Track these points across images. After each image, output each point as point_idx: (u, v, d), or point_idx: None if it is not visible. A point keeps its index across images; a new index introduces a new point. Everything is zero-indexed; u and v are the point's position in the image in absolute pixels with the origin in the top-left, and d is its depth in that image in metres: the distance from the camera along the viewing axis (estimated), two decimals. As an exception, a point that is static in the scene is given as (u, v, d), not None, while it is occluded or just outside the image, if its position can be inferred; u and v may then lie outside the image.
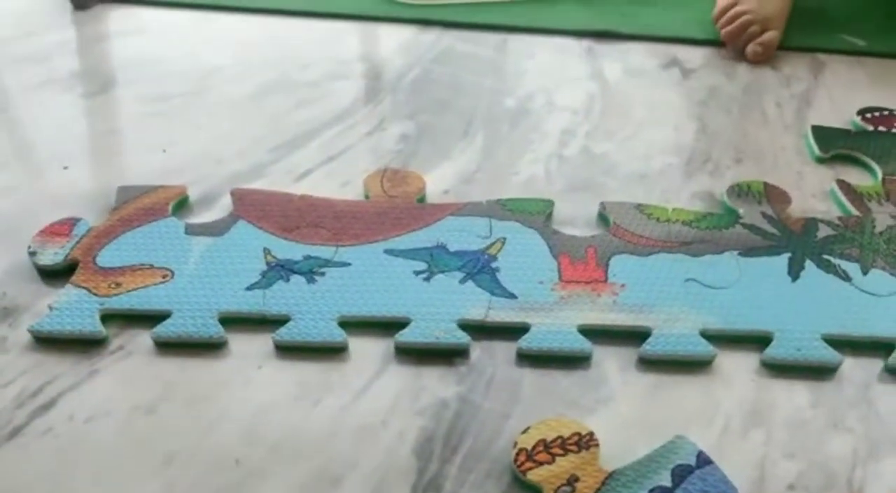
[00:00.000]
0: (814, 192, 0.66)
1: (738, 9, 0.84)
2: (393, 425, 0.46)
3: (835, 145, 0.70)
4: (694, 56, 0.86)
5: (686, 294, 0.54)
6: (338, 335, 0.50)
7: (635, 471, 0.43)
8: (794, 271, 0.56)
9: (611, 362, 0.51)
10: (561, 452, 0.43)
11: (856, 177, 0.68)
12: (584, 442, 0.44)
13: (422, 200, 0.62)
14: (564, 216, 0.62)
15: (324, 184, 0.63)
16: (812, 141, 0.70)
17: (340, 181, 0.64)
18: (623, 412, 0.48)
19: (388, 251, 0.56)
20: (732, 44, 0.84)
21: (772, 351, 0.50)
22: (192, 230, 0.57)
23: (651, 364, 0.51)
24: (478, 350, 0.51)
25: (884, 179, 0.65)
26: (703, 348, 0.50)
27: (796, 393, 0.49)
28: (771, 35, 0.84)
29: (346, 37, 0.86)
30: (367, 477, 0.44)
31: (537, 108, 0.76)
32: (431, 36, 0.86)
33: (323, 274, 0.54)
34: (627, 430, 0.47)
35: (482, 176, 0.67)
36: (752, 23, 0.83)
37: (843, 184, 0.65)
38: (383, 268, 0.55)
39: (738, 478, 0.44)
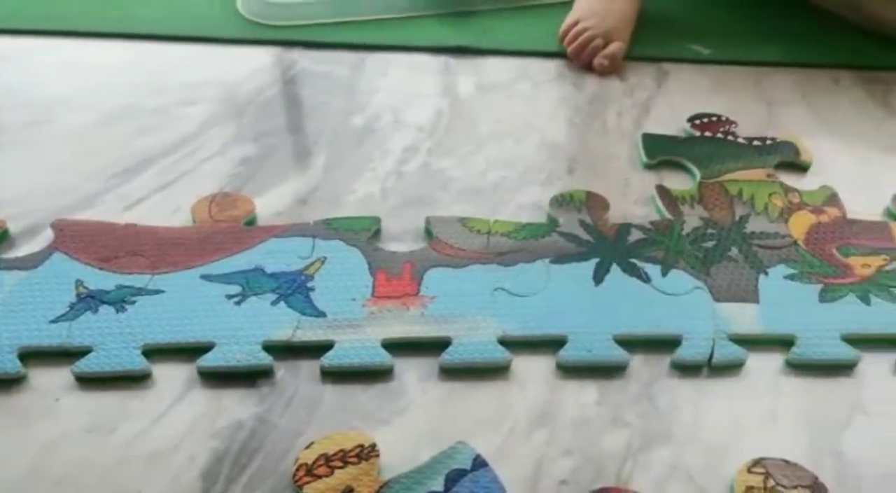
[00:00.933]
0: (636, 198, 0.69)
1: (579, 26, 0.87)
2: (185, 449, 0.48)
3: (661, 152, 0.73)
4: (546, 69, 0.89)
5: (492, 303, 0.56)
6: (137, 363, 0.51)
7: (411, 479, 0.45)
8: (599, 276, 0.59)
9: (412, 373, 0.53)
10: (340, 465, 0.45)
11: (678, 182, 0.71)
12: (365, 454, 0.46)
13: (251, 223, 0.64)
14: (395, 233, 0.64)
15: (155, 211, 0.65)
16: (640, 148, 0.73)
17: (172, 208, 0.65)
18: (417, 421, 0.50)
19: (205, 276, 0.58)
20: (578, 60, 0.87)
21: (564, 353, 0.53)
22: (3, 265, 0.58)
23: (450, 373, 0.53)
24: (282, 370, 0.53)
25: (700, 183, 0.68)
26: (500, 354, 0.53)
27: (585, 392, 0.52)
28: (615, 47, 0.87)
29: (203, 61, 0.87)
30: (150, 503, 0.45)
31: (383, 126, 0.78)
32: (290, 57, 0.87)
33: (133, 303, 0.55)
34: (419, 439, 0.49)
35: (319, 196, 0.68)
36: (595, 37, 0.86)
37: (661, 189, 0.68)
38: (195, 293, 0.56)
39: (514, 478, 0.46)
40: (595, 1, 0.90)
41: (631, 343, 0.54)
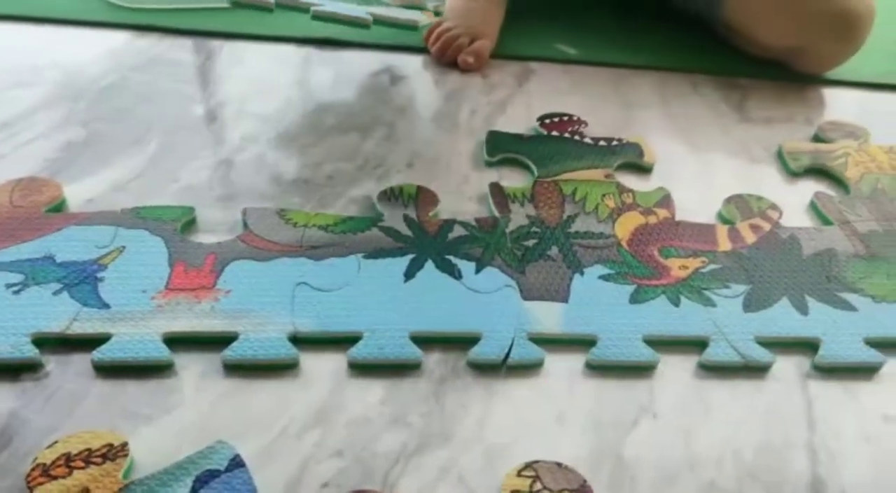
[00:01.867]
0: (472, 195, 0.67)
1: (443, 26, 0.86)
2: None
3: (503, 150, 0.72)
4: (410, 63, 0.87)
5: (290, 298, 0.54)
6: None
7: (156, 480, 0.43)
8: (411, 272, 0.57)
9: (193, 369, 0.50)
10: (82, 465, 0.42)
11: (517, 179, 0.69)
12: (113, 454, 0.43)
13: (57, 209, 0.60)
14: (211, 224, 0.62)
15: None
16: (484, 145, 0.72)
17: (-25, 193, 0.61)
18: (184, 419, 0.47)
19: (-11, 264, 0.54)
20: (442, 59, 0.85)
21: (355, 351, 0.51)
22: None
23: (234, 370, 0.50)
24: (52, 364, 0.50)
25: (535, 182, 0.67)
26: (285, 351, 0.51)
27: (371, 391, 0.50)
28: (481, 44, 0.86)
29: (53, 43, 0.84)
30: None
31: (226, 115, 0.76)
32: (144, 42, 0.84)
33: None
34: (182, 438, 0.46)
35: (139, 184, 0.66)
36: (459, 35, 0.85)
37: (494, 186, 0.66)
38: (-26, 282, 0.53)
39: (274, 480, 0.44)
40: (459, 1, 0.88)
41: (429, 341, 0.52)
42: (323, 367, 0.51)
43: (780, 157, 0.76)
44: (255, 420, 0.48)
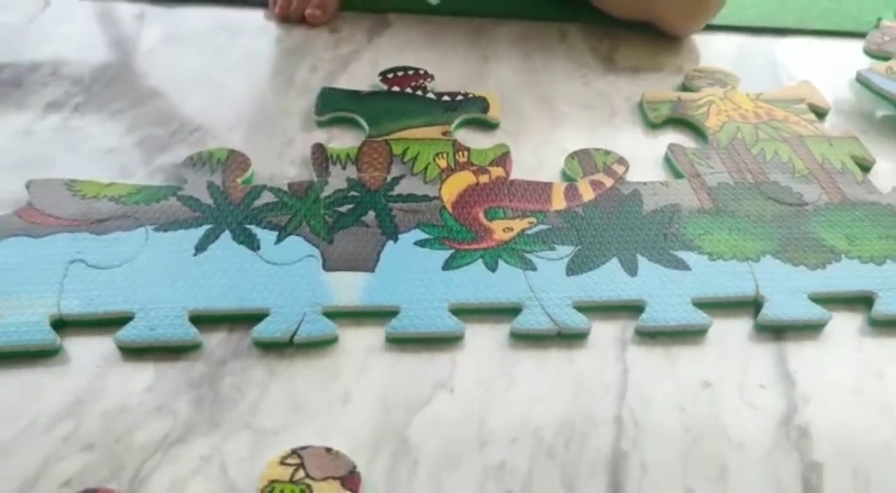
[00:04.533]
0: (294, 158, 0.63)
1: None
2: None
3: (334, 108, 0.66)
4: (250, 19, 0.81)
5: (59, 277, 0.49)
6: None
7: None
8: (203, 245, 0.52)
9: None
10: None
11: (350, 140, 0.64)
12: None
13: None
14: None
15: None
16: (316, 104, 0.67)
17: None
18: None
19: None
20: (290, 19, 0.79)
21: (122, 334, 0.47)
22: None
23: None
24: None
25: (364, 142, 0.62)
26: (42, 336, 0.46)
27: (138, 378, 0.45)
28: (324, -5, 0.80)
29: None
30: None
31: (37, 79, 0.69)
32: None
33: None
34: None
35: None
36: None
37: (317, 148, 0.62)
38: None
39: (11, 478, 0.39)
40: None
41: (213, 320, 0.47)
42: (88, 353, 0.46)
43: (641, 108, 0.71)
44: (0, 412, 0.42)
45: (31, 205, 0.54)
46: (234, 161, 0.59)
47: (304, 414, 0.44)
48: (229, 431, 0.43)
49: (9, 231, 0.52)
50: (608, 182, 0.60)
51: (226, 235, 0.53)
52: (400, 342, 0.48)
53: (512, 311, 0.50)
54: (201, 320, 0.48)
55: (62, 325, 0.47)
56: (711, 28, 0.83)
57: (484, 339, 0.49)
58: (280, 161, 0.62)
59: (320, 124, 0.66)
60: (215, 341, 0.48)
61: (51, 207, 0.54)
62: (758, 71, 0.79)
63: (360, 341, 0.48)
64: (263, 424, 0.43)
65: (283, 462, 0.40)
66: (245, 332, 0.48)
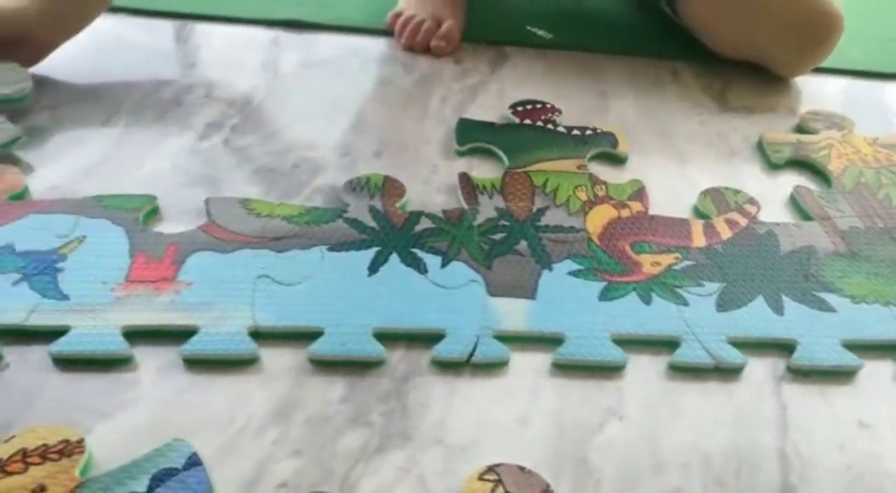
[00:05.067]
0: (440, 186, 0.66)
1: (405, 15, 0.84)
2: None
3: (473, 139, 0.70)
4: (379, 48, 0.85)
5: (251, 292, 0.53)
6: None
7: (112, 478, 0.42)
8: (375, 266, 0.56)
9: (151, 363, 0.49)
10: (38, 461, 0.41)
11: (489, 170, 0.68)
12: (69, 450, 0.42)
13: (18, 197, 0.59)
14: (174, 213, 0.61)
15: None
16: (455, 134, 0.71)
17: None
18: (142, 415, 0.46)
19: (-54, 253, 0.52)
20: (415, 48, 0.84)
21: (316, 347, 0.50)
22: None
23: (192, 365, 0.49)
24: (13, 356, 0.48)
25: (506, 172, 0.66)
26: (245, 346, 0.50)
27: (332, 388, 0.49)
28: (449, 25, 0.84)
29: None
30: None
31: (192, 100, 0.74)
32: (109, 23, 0.81)
33: None
34: (139, 434, 0.45)
35: (103, 171, 0.64)
36: (424, 21, 0.83)
37: (463, 177, 0.65)
38: (-71, 271, 0.51)
39: (231, 479, 0.43)
40: None
41: (393, 337, 0.51)
42: (283, 363, 0.50)
43: (761, 148, 0.75)
44: (212, 417, 0.47)
45: (213, 221, 0.58)
46: (391, 187, 0.63)
47: (486, 432, 0.48)
48: (422, 444, 0.46)
49: (197, 246, 0.56)
50: (742, 221, 0.64)
51: (394, 258, 0.57)
52: (566, 368, 0.52)
53: (667, 343, 0.53)
54: (382, 338, 0.52)
55: (257, 336, 0.51)
56: (818, 70, 0.86)
57: (645, 369, 0.52)
58: (427, 187, 0.66)
59: (460, 154, 0.70)
60: (395, 357, 0.51)
61: (231, 224, 0.58)
62: (867, 114, 0.82)
63: (528, 364, 0.52)
64: (452, 439, 0.47)
65: (481, 478, 0.44)
66: (420, 350, 0.52)
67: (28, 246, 0.54)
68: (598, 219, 0.62)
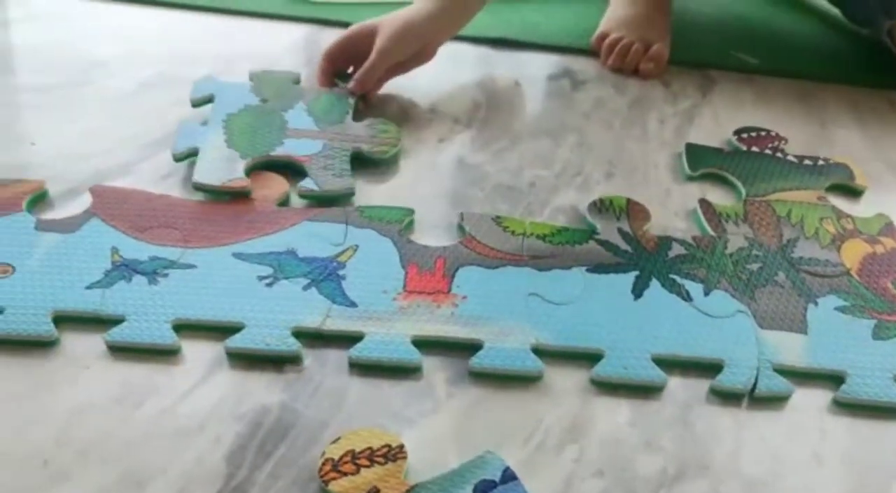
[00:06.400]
0: (677, 210, 0.67)
1: (611, 37, 0.85)
2: (210, 430, 0.46)
3: (705, 164, 0.71)
4: (587, 68, 0.86)
5: (525, 309, 0.54)
6: (168, 338, 0.50)
7: (438, 485, 0.43)
8: (638, 290, 0.57)
9: (440, 374, 0.51)
10: (367, 463, 0.44)
11: (721, 197, 0.68)
12: (393, 455, 0.44)
13: (284, 203, 0.62)
14: (427, 225, 0.63)
15: (189, 183, 0.63)
16: (684, 159, 0.71)
17: (204, 181, 0.63)
18: (443, 424, 0.48)
19: (237, 255, 0.56)
20: (623, 70, 0.84)
21: (599, 369, 0.51)
22: (42, 226, 0.57)
23: (479, 378, 0.51)
24: (311, 358, 0.51)
25: (746, 200, 0.66)
26: (532, 363, 0.51)
27: (618, 411, 0.50)
28: (658, 48, 0.85)
29: (240, 34, 0.86)
30: (172, 483, 0.44)
31: (418, 114, 0.76)
32: (327, 35, 0.85)
33: (166, 275, 0.54)
34: (444, 443, 0.47)
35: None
36: (633, 44, 0.84)
37: (704, 203, 0.66)
38: (227, 272, 0.54)
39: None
40: (619, 11, 0.88)
41: (668, 363, 0.52)
42: (565, 381, 0.51)
43: None
44: (509, 431, 0.48)
45: (473, 236, 0.60)
46: (635, 210, 0.64)
47: (783, 468, 0.48)
48: (720, 475, 0.47)
49: (463, 260, 0.58)
50: None
51: (655, 284, 0.58)
52: (851, 407, 0.51)
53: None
54: (659, 363, 0.52)
55: (538, 353, 0.52)
56: None
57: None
58: (664, 211, 0.67)
59: (690, 178, 0.70)
60: (673, 383, 0.52)
61: (490, 240, 0.60)
62: None
63: (809, 400, 0.52)
64: (750, 472, 0.47)
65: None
66: (696, 378, 0.53)
67: (308, 252, 0.57)
68: (852, 254, 0.62)
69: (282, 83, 0.74)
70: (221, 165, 0.63)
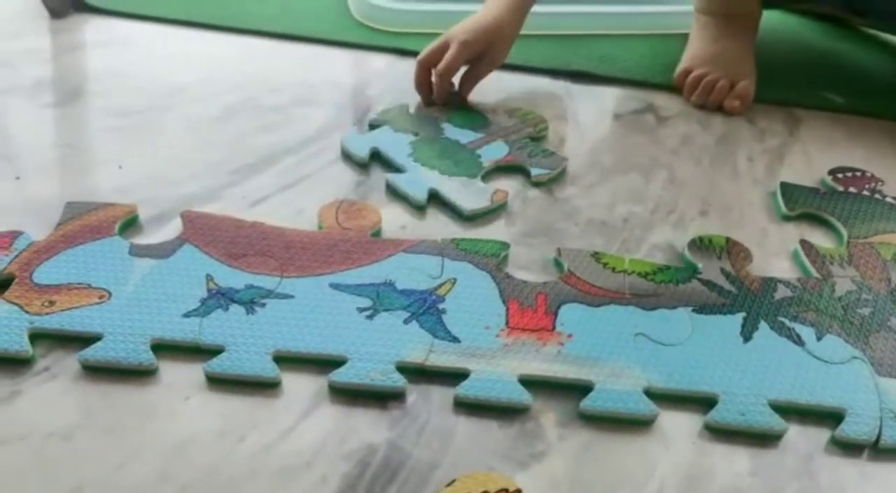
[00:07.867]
0: (776, 250, 0.65)
1: (696, 73, 0.84)
2: (317, 468, 0.45)
3: (802, 204, 0.69)
4: (670, 103, 0.85)
5: (634, 349, 0.52)
6: (270, 370, 0.49)
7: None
8: (747, 332, 0.55)
9: (550, 415, 0.49)
10: (485, 508, 0.42)
11: (820, 238, 0.66)
12: (510, 499, 0.42)
13: (377, 234, 0.61)
14: (520, 260, 0.61)
15: (278, 211, 0.62)
16: (780, 198, 0.69)
17: (295, 209, 0.63)
18: (556, 468, 0.46)
19: (334, 286, 0.55)
20: (707, 106, 0.83)
21: (716, 414, 0.49)
22: (136, 251, 0.56)
23: (590, 420, 0.49)
24: (414, 394, 0.49)
25: (848, 242, 0.64)
26: (645, 406, 0.49)
27: (736, 460, 0.48)
28: (744, 85, 0.84)
29: (319, 62, 0.86)
30: (282, 523, 0.42)
31: (504, 146, 0.75)
32: (406, 65, 0.85)
33: (263, 305, 0.52)
34: (558, 488, 0.45)
35: (439, 213, 0.65)
36: (718, 79, 0.82)
37: (806, 244, 0.64)
38: (326, 303, 0.53)
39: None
40: (702, 46, 0.87)
41: (785, 410, 0.50)
42: (676, 425, 0.49)
43: None
44: (624, 477, 0.46)
45: (573, 273, 0.58)
46: (735, 249, 0.62)
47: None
48: (849, 529, 0.44)
49: (564, 297, 0.56)
50: None
51: (763, 326, 0.55)
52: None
53: None
54: (776, 410, 0.50)
55: (650, 396, 0.50)
56: None
57: None
58: (763, 252, 0.65)
59: (786, 218, 0.68)
60: (791, 432, 0.50)
61: (591, 277, 0.58)
62: None
63: (931, 452, 0.49)
64: (882, 527, 0.44)
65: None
66: (814, 426, 0.50)
67: (406, 285, 0.56)
68: (970, 301, 0.59)
69: (410, 115, 0.77)
70: (464, 189, 0.67)
